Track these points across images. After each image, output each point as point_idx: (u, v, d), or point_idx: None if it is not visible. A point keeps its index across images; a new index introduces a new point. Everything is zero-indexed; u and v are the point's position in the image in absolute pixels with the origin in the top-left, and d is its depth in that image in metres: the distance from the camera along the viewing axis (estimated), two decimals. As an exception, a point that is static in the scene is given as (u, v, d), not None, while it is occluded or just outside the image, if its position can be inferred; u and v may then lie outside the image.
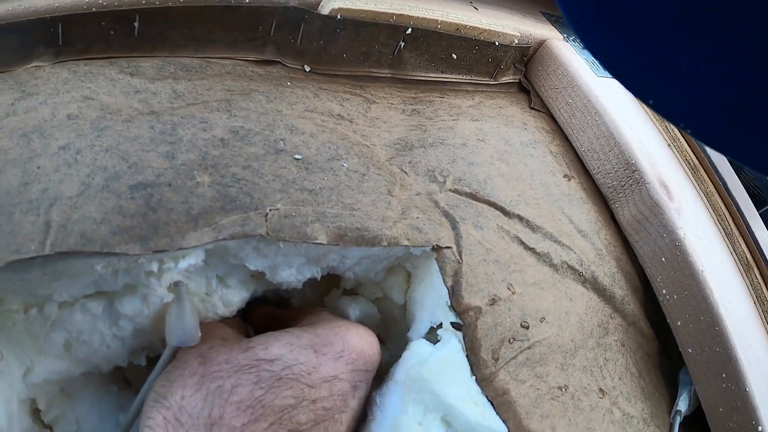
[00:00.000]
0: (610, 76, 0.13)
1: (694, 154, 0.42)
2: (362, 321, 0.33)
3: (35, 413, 0.27)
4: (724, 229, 0.42)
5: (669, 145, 0.43)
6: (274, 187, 0.26)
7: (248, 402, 0.22)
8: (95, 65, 0.29)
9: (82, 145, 0.25)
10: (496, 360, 0.28)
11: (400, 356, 0.29)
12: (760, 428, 0.34)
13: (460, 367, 0.27)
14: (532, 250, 0.33)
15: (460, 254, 0.29)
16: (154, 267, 0.24)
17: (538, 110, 0.42)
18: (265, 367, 0.23)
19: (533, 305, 0.31)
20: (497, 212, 0.33)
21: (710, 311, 0.36)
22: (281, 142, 0.28)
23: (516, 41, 0.39)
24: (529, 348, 0.30)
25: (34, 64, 0.28)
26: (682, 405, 0.38)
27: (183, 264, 0.24)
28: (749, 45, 0.11)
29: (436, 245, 0.28)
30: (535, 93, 0.43)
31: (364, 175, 0.29)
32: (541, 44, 0.42)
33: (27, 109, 0.26)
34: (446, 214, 0.30)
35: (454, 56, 0.38)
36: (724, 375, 0.36)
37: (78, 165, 0.24)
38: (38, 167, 0.24)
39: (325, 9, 0.32)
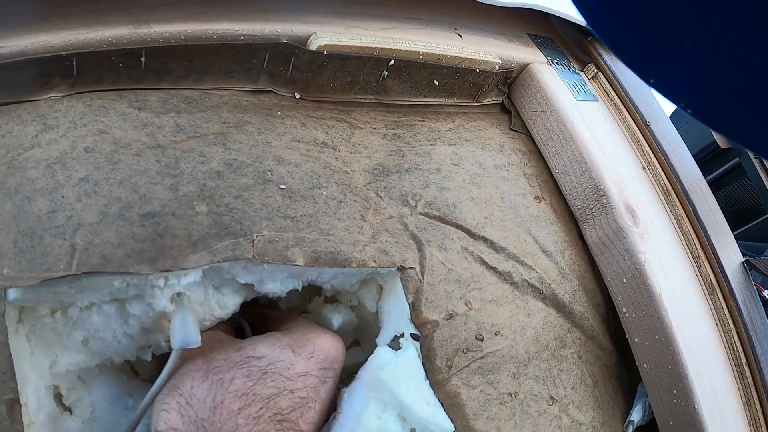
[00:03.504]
0: (616, 58, 0.16)
1: (668, 179, 0.49)
2: (342, 327, 0.42)
3: (58, 397, 0.36)
4: (691, 252, 0.49)
5: (644, 169, 0.49)
6: (261, 215, 0.34)
7: (243, 390, 0.31)
8: (107, 99, 0.36)
9: (99, 177, 0.33)
10: (450, 367, 0.36)
11: (372, 357, 0.38)
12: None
13: (416, 372, 0.36)
14: (493, 269, 0.40)
15: (422, 274, 0.37)
16: (161, 282, 0.32)
17: (517, 131, 0.49)
18: (254, 363, 0.32)
19: (489, 320, 0.39)
20: (463, 234, 0.40)
21: (665, 331, 0.43)
22: (269, 173, 0.36)
23: (497, 68, 0.46)
24: (482, 358, 0.38)
25: (52, 94, 0.36)
26: (636, 415, 0.46)
27: (184, 281, 0.32)
28: (753, 29, 0.12)
29: (401, 266, 0.36)
30: (516, 114, 0.49)
31: (340, 202, 0.37)
32: (524, 67, 0.48)
33: (49, 141, 0.34)
34: (414, 237, 0.38)
35: (436, 82, 0.45)
36: (674, 391, 0.43)
37: (96, 196, 0.32)
38: (63, 197, 0.32)
39: (312, 45, 0.39)
